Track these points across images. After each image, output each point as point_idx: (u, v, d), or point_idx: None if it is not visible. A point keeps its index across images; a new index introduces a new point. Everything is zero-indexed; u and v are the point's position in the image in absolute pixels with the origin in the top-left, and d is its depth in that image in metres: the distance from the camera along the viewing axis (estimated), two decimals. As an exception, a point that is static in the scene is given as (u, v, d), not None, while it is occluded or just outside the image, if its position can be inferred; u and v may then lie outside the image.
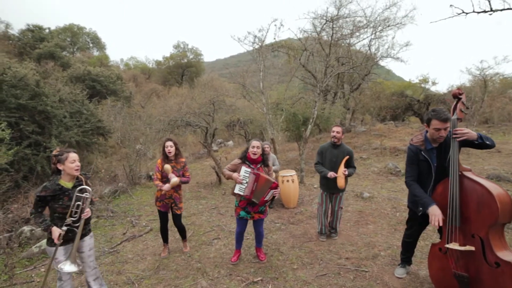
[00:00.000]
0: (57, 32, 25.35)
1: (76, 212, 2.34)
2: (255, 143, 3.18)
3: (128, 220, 5.06)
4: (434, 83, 15.03)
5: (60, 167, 2.32)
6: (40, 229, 2.37)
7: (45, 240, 3.93)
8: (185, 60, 29.83)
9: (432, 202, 2.30)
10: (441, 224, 2.17)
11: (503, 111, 11.91)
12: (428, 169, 2.45)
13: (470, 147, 2.39)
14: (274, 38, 7.42)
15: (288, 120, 8.76)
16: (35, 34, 19.97)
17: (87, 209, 2.38)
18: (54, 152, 2.33)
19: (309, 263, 3.33)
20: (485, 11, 2.77)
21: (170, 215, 3.66)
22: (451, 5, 2.85)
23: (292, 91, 11.85)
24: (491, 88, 12.79)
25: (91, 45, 30.96)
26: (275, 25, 7.00)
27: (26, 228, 4.16)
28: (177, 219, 3.63)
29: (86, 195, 2.38)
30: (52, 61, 16.38)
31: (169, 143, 3.49)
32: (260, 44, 6.66)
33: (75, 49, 27.30)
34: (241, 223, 3.33)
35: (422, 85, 15.11)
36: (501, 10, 2.75)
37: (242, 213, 3.26)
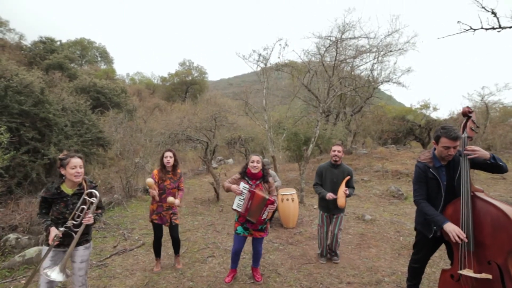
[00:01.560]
0: (68, 45, 26.12)
1: (79, 216, 2.22)
2: (254, 157, 3.09)
3: (120, 233, 4.85)
4: (435, 109, 15.14)
5: (62, 171, 2.25)
6: (43, 229, 2.27)
7: (30, 249, 3.76)
8: (190, 78, 30.44)
9: (446, 219, 2.16)
10: (463, 238, 2.01)
11: (505, 138, 11.89)
12: (437, 187, 2.33)
13: (481, 170, 2.28)
14: (279, 57, 7.57)
15: (289, 140, 8.73)
16: (47, 46, 20.53)
17: (90, 215, 2.26)
18: (61, 156, 2.28)
19: (308, 286, 3.11)
20: (493, 28, 2.79)
21: (165, 229, 3.50)
22: (458, 22, 2.88)
23: (294, 111, 11.95)
24: (492, 115, 12.87)
25: (99, 58, 31.80)
26: (280, 44, 7.14)
27: (11, 236, 3.97)
28: (175, 230, 3.48)
29: (92, 200, 2.28)
30: (59, 71, 16.70)
31: (168, 154, 3.41)
32: (264, 62, 6.77)
33: (83, 62, 27.98)
34: (238, 241, 3.15)
35: (423, 111, 15.21)
36: (510, 27, 2.77)
37: (240, 229, 3.10)
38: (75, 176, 2.24)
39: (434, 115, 16.25)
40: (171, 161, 3.39)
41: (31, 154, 7.36)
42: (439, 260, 3.69)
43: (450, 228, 2.09)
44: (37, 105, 7.86)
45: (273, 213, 5.32)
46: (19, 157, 6.89)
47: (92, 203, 2.27)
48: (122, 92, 17.91)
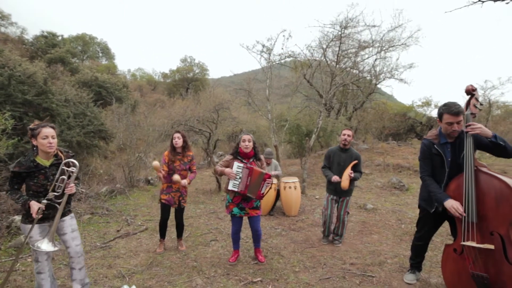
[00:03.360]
0: (70, 40, 26.10)
1: (59, 187, 2.18)
2: (245, 136, 3.07)
3: (123, 219, 4.88)
4: (437, 106, 15.15)
5: (34, 142, 2.14)
6: (19, 204, 2.18)
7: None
8: (191, 74, 30.42)
9: (447, 196, 2.21)
10: (462, 213, 2.06)
11: (506, 135, 11.90)
12: (441, 163, 2.36)
13: (486, 151, 2.30)
14: (282, 48, 7.56)
15: (292, 132, 8.74)
16: (48, 40, 20.54)
17: (72, 185, 2.21)
18: (31, 125, 2.15)
19: (312, 266, 3.14)
20: (502, -1, 2.80)
21: (172, 211, 3.54)
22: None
23: (295, 107, 11.96)
24: (494, 112, 12.87)
25: (100, 54, 31.78)
26: (284, 35, 7.15)
27: (17, 218, 4.00)
28: (181, 213, 3.52)
29: (72, 169, 2.23)
30: (61, 65, 16.72)
31: (176, 135, 3.44)
32: (268, 53, 6.79)
33: (84, 57, 27.98)
34: (236, 221, 3.18)
35: (425, 108, 15.23)
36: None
37: (236, 210, 3.12)
38: (48, 147, 2.13)
39: (435, 113, 16.26)
40: (179, 142, 3.42)
41: (34, 143, 7.40)
42: (441, 245, 3.71)
43: (450, 204, 2.15)
44: (40, 95, 7.88)
45: (275, 202, 5.36)
46: (22, 146, 6.92)
47: (72, 172, 2.22)
48: (124, 87, 17.93)
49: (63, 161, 2.24)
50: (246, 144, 3.04)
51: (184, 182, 3.34)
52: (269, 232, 4.30)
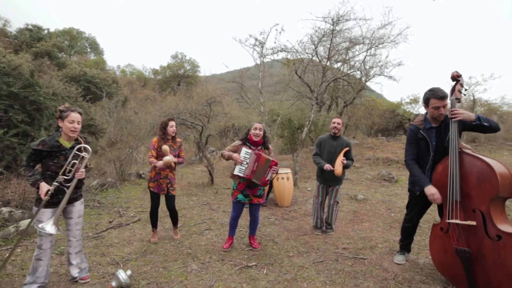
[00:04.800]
0: (56, 34, 25.33)
1: (70, 171, 2.21)
2: (257, 125, 3.15)
3: (115, 211, 4.83)
4: (424, 103, 15.52)
5: (60, 123, 2.22)
6: (29, 182, 2.19)
7: (25, 220, 3.72)
8: (182, 71, 30.10)
9: (428, 182, 2.33)
10: (440, 202, 2.17)
11: (489, 131, 12.35)
12: (426, 147, 2.46)
13: (472, 131, 2.42)
14: (275, 42, 7.61)
15: (283, 126, 8.81)
16: (33, 34, 19.88)
17: (82, 170, 2.26)
18: (61, 107, 2.24)
19: (305, 251, 3.21)
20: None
21: (162, 199, 3.52)
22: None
23: (287, 102, 12.04)
24: (478, 110, 13.30)
25: (88, 49, 31.02)
26: (276, 29, 7.18)
27: (4, 209, 3.91)
28: (171, 200, 3.50)
29: (84, 154, 2.27)
30: (48, 60, 16.25)
31: (172, 122, 3.47)
32: (261, 46, 6.82)
33: (72, 52, 27.26)
34: (237, 208, 3.22)
35: (413, 105, 15.59)
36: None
37: (240, 196, 3.16)
38: (71, 131, 2.22)
39: (423, 110, 16.64)
40: (175, 129, 3.46)
41: (21, 137, 7.20)
42: (428, 230, 3.84)
43: (429, 192, 2.29)
44: (26, 88, 7.65)
45: (268, 192, 5.42)
46: (8, 139, 6.73)
47: (83, 157, 2.27)
48: (114, 83, 17.60)
49: (76, 146, 2.27)
50: (257, 132, 3.09)
51: (171, 157, 3.27)
52: (262, 222, 4.35)
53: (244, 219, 4.29)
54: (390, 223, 4.25)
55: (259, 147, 3.17)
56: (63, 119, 2.20)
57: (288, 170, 5.31)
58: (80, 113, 2.30)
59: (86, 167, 2.36)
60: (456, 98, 2.37)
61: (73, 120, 2.22)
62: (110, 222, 4.29)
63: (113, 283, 2.34)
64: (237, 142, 3.20)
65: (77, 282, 2.46)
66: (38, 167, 2.33)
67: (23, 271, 2.69)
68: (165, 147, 3.28)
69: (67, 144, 2.26)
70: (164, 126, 3.44)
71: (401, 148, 10.67)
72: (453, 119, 2.26)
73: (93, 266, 2.83)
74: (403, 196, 5.68)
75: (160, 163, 3.24)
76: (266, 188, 5.22)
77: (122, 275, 2.35)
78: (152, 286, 2.45)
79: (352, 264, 2.84)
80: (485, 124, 2.23)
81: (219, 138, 16.55)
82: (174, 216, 3.62)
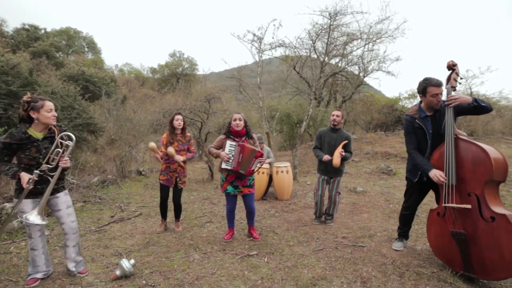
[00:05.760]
0: (53, 34, 25.25)
1: (54, 159, 2.18)
2: (236, 115, 3.16)
3: (117, 206, 4.88)
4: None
5: (33, 115, 2.12)
6: (8, 176, 2.14)
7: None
8: (180, 69, 30.04)
9: (431, 167, 2.37)
10: (444, 180, 2.21)
11: (486, 125, 12.42)
12: (423, 136, 2.51)
13: (468, 114, 2.48)
14: (273, 38, 7.64)
15: (282, 122, 8.85)
16: (30, 33, 19.80)
17: (66, 158, 2.22)
18: (25, 98, 2.14)
19: (305, 241, 3.26)
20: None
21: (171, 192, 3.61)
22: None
23: (285, 98, 12.07)
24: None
25: (86, 49, 30.91)
26: (274, 25, 7.19)
27: (7, 205, 3.94)
28: (178, 194, 3.59)
29: (68, 143, 2.24)
30: (46, 59, 16.20)
31: (178, 116, 3.54)
32: (259, 42, 6.84)
33: (69, 52, 27.15)
34: (230, 200, 3.27)
35: (411, 100, 15.63)
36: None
37: (230, 188, 3.20)
38: (52, 119, 2.17)
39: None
40: (182, 123, 3.51)
41: (21, 136, 7.23)
42: (426, 220, 3.90)
43: (433, 173, 2.32)
44: (25, 86, 7.66)
45: (267, 187, 5.46)
46: (8, 138, 6.76)
47: (67, 146, 2.23)
48: (112, 81, 17.58)
49: (59, 134, 2.24)
50: (237, 122, 3.11)
51: (179, 157, 3.39)
52: (262, 214, 4.40)
53: (243, 213, 4.35)
54: (389, 213, 4.31)
55: (243, 138, 3.20)
56: (38, 110, 2.11)
57: (287, 164, 5.35)
58: (50, 101, 2.21)
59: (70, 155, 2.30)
60: (452, 87, 2.42)
61: (51, 109, 2.16)
62: (112, 216, 4.34)
63: (117, 272, 2.38)
64: (221, 136, 3.22)
65: (75, 275, 2.42)
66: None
67: (28, 262, 2.73)
68: (170, 151, 3.31)
69: (38, 135, 2.18)
70: (171, 120, 3.51)
71: (400, 143, 10.73)
72: (449, 106, 2.31)
73: (96, 257, 2.87)
74: (401, 188, 5.73)
75: (178, 157, 3.33)
76: (266, 182, 5.28)
77: (126, 263, 2.40)
78: (156, 274, 2.49)
79: (352, 251, 2.90)
80: (483, 104, 2.28)
81: (218, 135, 16.59)
82: (177, 209, 3.68)
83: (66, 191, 2.44)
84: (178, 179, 3.52)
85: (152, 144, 3.30)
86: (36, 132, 2.18)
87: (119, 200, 5.28)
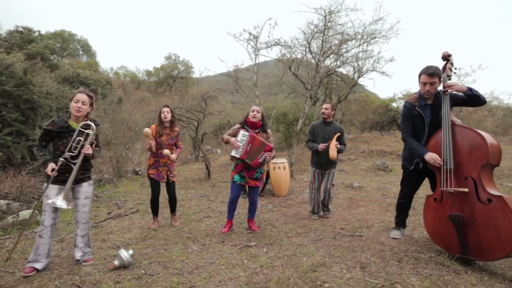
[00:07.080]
0: (47, 36, 25.06)
1: (76, 147, 2.27)
2: (255, 107, 3.24)
3: (114, 203, 4.84)
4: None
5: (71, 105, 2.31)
6: (39, 162, 2.29)
7: (24, 211, 3.72)
8: (176, 72, 30.03)
9: (426, 150, 2.41)
10: (439, 163, 2.25)
11: (479, 125, 12.63)
12: (422, 124, 2.55)
13: (463, 105, 2.53)
14: (268, 37, 7.70)
15: (279, 121, 8.89)
16: (24, 36, 19.64)
17: (88, 146, 2.31)
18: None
19: (304, 232, 3.27)
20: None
21: (162, 187, 3.56)
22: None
23: (281, 98, 12.13)
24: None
25: (81, 52, 30.75)
26: (270, 23, 7.25)
27: (2, 202, 3.89)
28: (171, 187, 3.55)
29: (89, 131, 2.33)
30: (41, 61, 16.06)
31: (165, 109, 3.50)
32: (255, 41, 6.90)
33: (64, 54, 26.98)
34: (235, 189, 3.27)
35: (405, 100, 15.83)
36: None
37: (237, 177, 3.22)
38: (75, 110, 2.29)
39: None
40: (168, 116, 3.47)
41: (15, 136, 7.14)
42: (421, 209, 3.94)
43: (429, 156, 2.36)
44: (20, 86, 7.59)
45: (265, 183, 5.46)
46: (2, 138, 6.68)
47: (88, 134, 2.33)
48: (107, 84, 17.51)
49: (82, 123, 2.33)
50: (255, 114, 3.17)
51: (174, 156, 3.39)
52: (260, 209, 4.40)
53: (242, 207, 4.36)
54: (386, 206, 4.35)
55: (257, 130, 3.24)
56: (71, 99, 2.29)
57: (284, 160, 5.38)
58: (89, 95, 2.36)
59: (97, 146, 2.45)
60: (447, 75, 2.49)
61: (78, 100, 2.29)
62: (108, 213, 4.30)
63: (116, 262, 2.36)
64: (237, 126, 3.28)
65: (80, 263, 2.47)
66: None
67: (24, 255, 2.69)
68: (166, 152, 3.31)
69: (75, 125, 2.34)
70: (159, 113, 3.50)
71: (395, 142, 10.84)
72: (446, 93, 2.36)
73: (94, 250, 2.84)
74: (397, 183, 5.73)
75: (165, 153, 3.30)
76: (263, 176, 5.27)
77: (124, 253, 2.38)
78: (154, 264, 2.48)
79: (350, 240, 2.91)
80: (477, 94, 2.33)
81: (214, 137, 16.57)
82: (172, 202, 3.65)
83: (91, 181, 2.54)
84: (168, 173, 3.49)
85: (147, 130, 3.29)
86: (74, 123, 2.34)
87: (116, 198, 5.24)
